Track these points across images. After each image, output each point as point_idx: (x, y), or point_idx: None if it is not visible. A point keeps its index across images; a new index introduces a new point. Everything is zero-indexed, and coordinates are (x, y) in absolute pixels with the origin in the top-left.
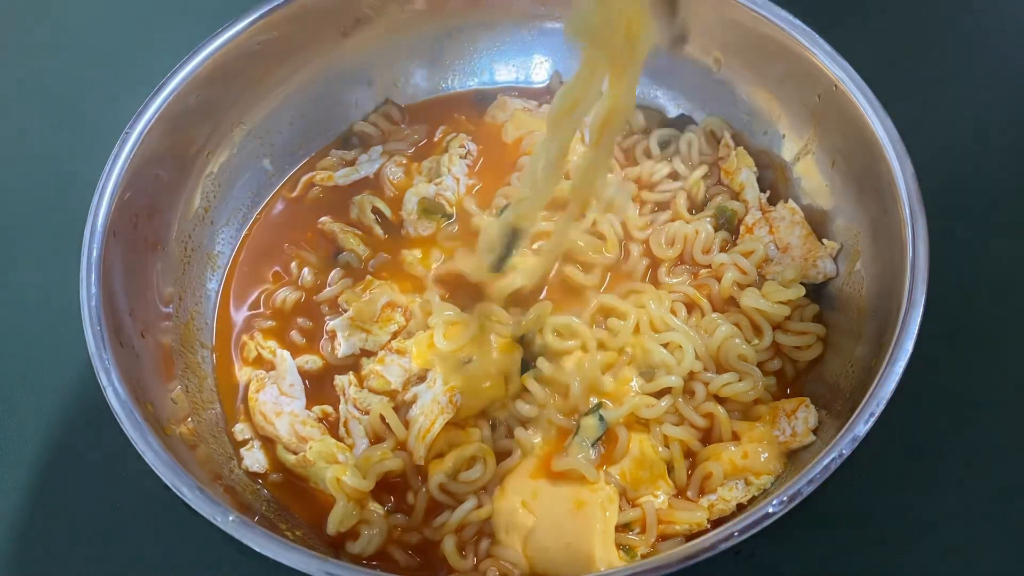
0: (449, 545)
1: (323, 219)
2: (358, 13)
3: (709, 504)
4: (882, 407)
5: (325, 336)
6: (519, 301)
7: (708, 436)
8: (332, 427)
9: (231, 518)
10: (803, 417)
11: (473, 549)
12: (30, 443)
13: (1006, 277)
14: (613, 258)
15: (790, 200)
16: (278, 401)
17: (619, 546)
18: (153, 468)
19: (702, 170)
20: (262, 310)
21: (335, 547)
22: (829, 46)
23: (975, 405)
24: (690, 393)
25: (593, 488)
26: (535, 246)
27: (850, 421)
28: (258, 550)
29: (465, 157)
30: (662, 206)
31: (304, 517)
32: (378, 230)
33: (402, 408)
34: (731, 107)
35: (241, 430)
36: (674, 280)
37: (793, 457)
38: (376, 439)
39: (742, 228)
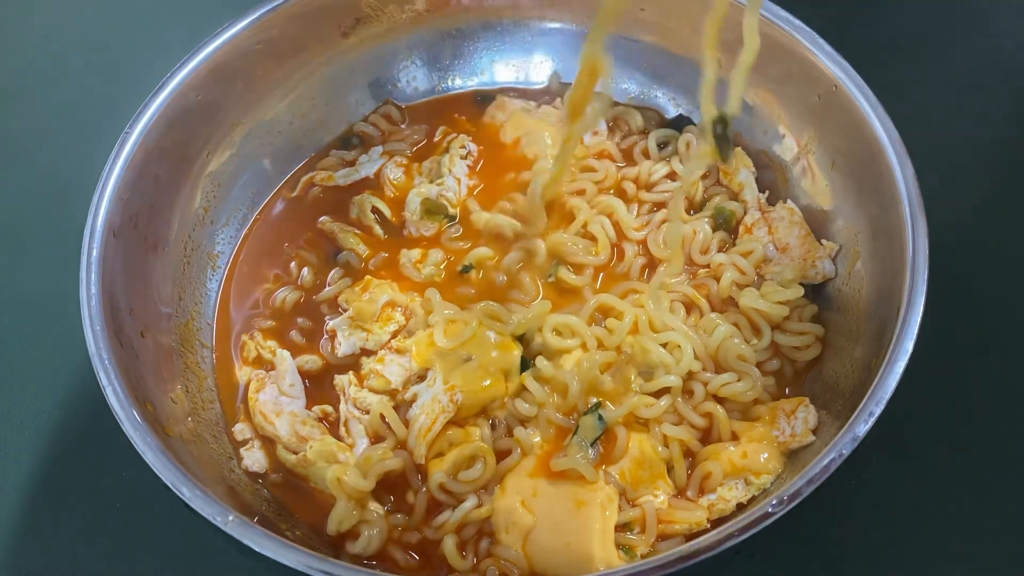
0: (449, 545)
1: (323, 219)
2: (358, 13)
3: (709, 504)
4: (882, 407)
5: (325, 336)
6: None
7: (707, 436)
8: (332, 427)
9: (231, 518)
10: (803, 417)
11: (473, 549)
12: (30, 443)
13: (1006, 277)
14: (604, 259)
15: (789, 200)
16: (278, 401)
17: (619, 546)
18: (153, 468)
19: (701, 170)
20: (262, 310)
21: (335, 547)
22: (829, 46)
23: (975, 405)
24: (689, 393)
25: (593, 488)
26: None
27: (850, 421)
28: (258, 550)
29: (466, 158)
30: (660, 206)
31: (304, 517)
32: (378, 230)
33: (402, 407)
34: None
35: (241, 430)
36: (673, 280)
37: (793, 457)
38: (376, 438)
39: (741, 228)
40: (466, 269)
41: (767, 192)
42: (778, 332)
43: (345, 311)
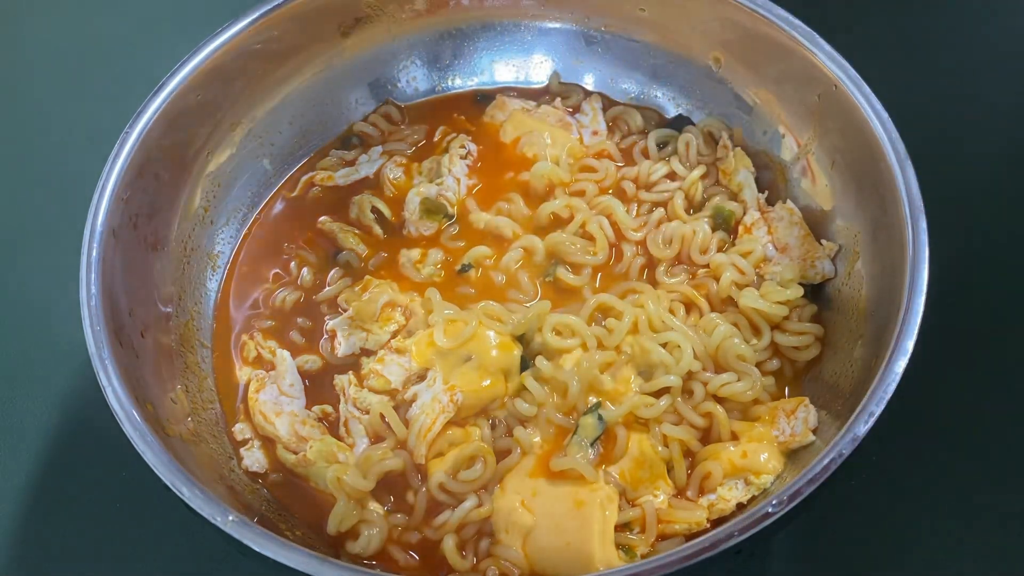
0: (449, 545)
1: (323, 219)
2: (358, 13)
3: (709, 504)
4: (882, 407)
5: (325, 336)
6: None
7: (707, 436)
8: (332, 427)
9: (231, 518)
10: (803, 417)
11: (473, 548)
12: (30, 443)
13: (1006, 277)
14: (602, 259)
15: (788, 200)
16: (278, 401)
17: (619, 546)
18: (153, 468)
19: (700, 170)
20: (262, 310)
21: (335, 547)
22: (829, 46)
23: (975, 405)
24: (689, 393)
25: (592, 488)
26: None
27: (850, 421)
28: (258, 550)
29: (465, 157)
30: (659, 206)
31: (304, 517)
32: (377, 230)
33: (402, 407)
34: (731, 107)
35: (241, 430)
36: (672, 280)
37: (793, 457)
38: (376, 438)
39: (740, 228)
40: (465, 268)
41: (766, 192)
42: (778, 332)
43: (345, 311)
